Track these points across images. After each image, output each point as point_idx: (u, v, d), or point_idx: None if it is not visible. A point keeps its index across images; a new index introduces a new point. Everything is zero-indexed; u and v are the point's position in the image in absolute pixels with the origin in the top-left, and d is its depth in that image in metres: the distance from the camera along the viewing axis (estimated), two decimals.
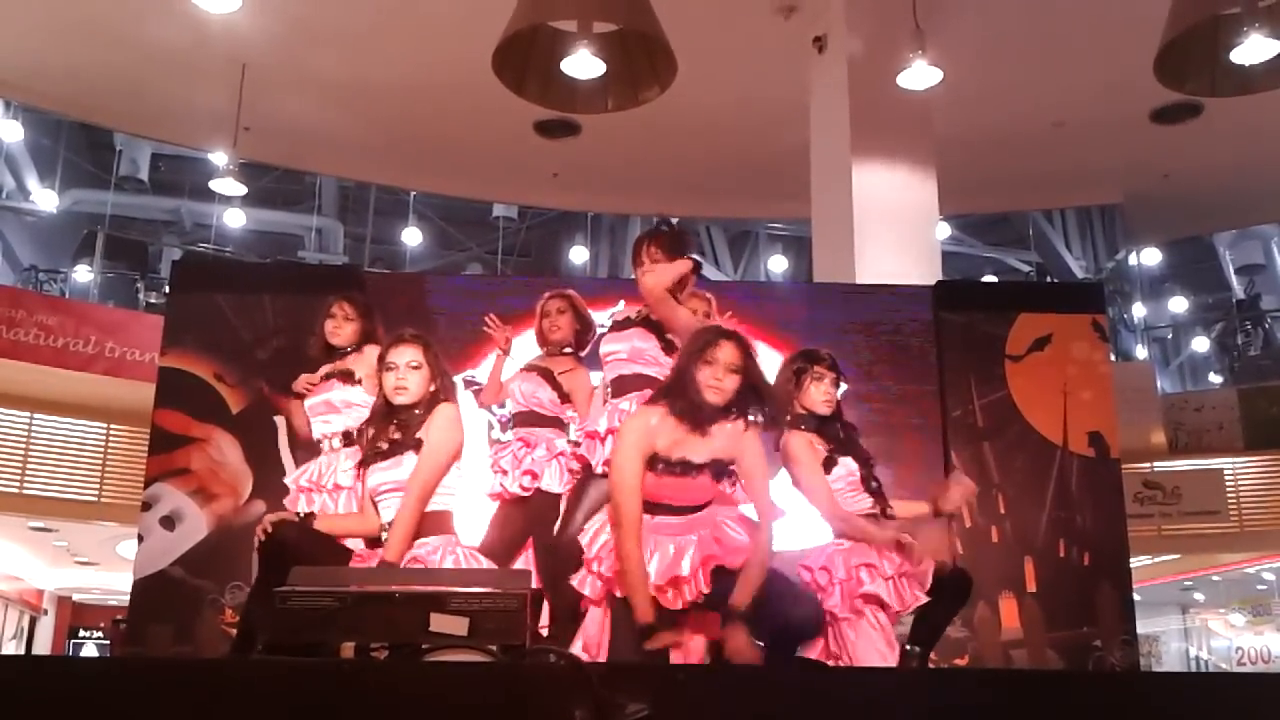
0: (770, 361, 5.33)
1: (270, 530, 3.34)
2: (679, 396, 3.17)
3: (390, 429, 3.50)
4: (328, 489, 4.16)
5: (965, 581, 3.93)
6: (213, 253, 13.03)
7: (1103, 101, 8.87)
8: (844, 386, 3.96)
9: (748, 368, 3.19)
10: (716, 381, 3.15)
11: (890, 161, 7.16)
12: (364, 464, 3.54)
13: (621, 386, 3.87)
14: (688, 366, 3.20)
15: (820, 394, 3.76)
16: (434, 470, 3.38)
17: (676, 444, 3.15)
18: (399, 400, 3.49)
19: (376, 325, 4.47)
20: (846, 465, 3.74)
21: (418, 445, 3.41)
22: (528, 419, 4.53)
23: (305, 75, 8.88)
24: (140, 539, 5.14)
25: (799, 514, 3.68)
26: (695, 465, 3.16)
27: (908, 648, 3.72)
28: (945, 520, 4.29)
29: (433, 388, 3.53)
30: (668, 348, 3.84)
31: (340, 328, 4.44)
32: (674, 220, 4.25)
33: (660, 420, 3.17)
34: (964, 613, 5.15)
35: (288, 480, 4.48)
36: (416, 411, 3.50)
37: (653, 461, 3.14)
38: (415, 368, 3.50)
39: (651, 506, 3.17)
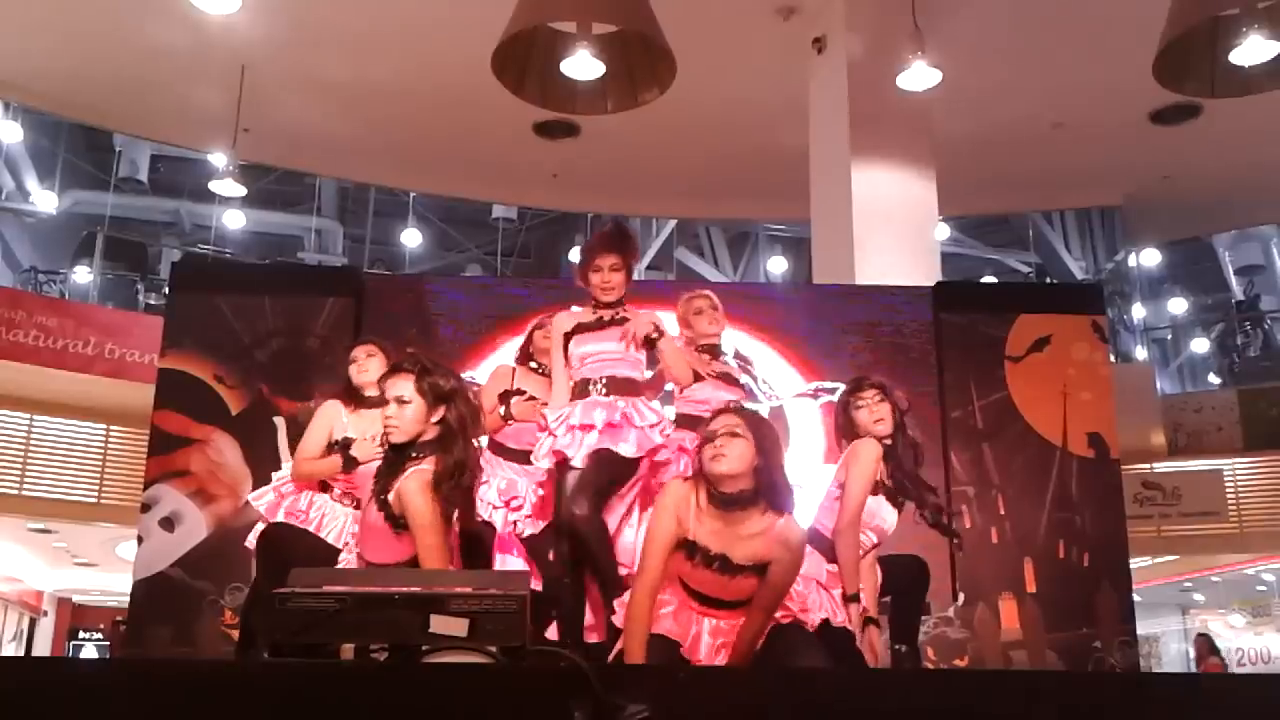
0: (771, 362, 5.35)
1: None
2: (705, 480, 3.11)
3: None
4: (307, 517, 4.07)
5: (916, 566, 3.99)
6: (212, 254, 13.03)
7: (1102, 103, 8.88)
8: (902, 406, 3.99)
9: (764, 456, 3.08)
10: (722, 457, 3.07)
11: (890, 162, 7.16)
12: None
13: (615, 386, 3.89)
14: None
15: (870, 418, 3.87)
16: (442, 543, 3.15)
17: (715, 535, 3.07)
18: (392, 439, 3.20)
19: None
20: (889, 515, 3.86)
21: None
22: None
23: (305, 77, 8.89)
24: (140, 540, 5.14)
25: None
26: (735, 566, 3.07)
27: (895, 648, 3.72)
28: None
29: (435, 418, 3.18)
30: (646, 344, 3.95)
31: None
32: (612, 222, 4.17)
33: (695, 498, 3.11)
34: (964, 613, 5.16)
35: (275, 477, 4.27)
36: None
37: (691, 549, 3.07)
38: (406, 403, 3.17)
39: (699, 596, 3.13)
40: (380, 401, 3.27)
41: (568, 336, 4.01)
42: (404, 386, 3.16)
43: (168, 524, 5.14)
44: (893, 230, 6.98)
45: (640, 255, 4.06)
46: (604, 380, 3.90)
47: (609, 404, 3.82)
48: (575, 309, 4.11)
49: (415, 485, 3.10)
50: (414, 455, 3.16)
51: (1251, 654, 13.26)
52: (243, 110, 8.83)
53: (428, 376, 3.18)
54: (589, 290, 4.04)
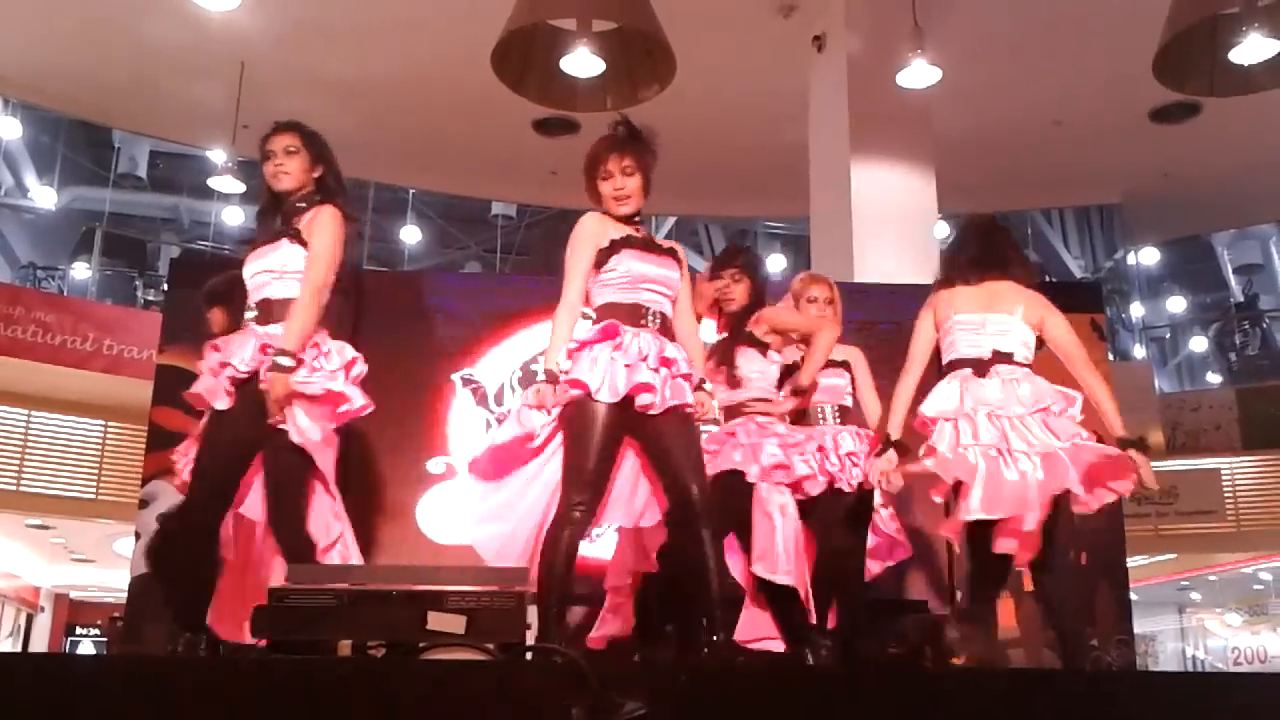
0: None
1: None
2: None
3: (275, 219, 3.50)
4: None
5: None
6: (211, 250, 13.01)
7: (1102, 101, 8.88)
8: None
9: None
10: None
11: (889, 160, 7.16)
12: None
13: (666, 328, 3.36)
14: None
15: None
16: (327, 271, 3.38)
17: None
18: (280, 186, 3.47)
19: (331, 168, 3.64)
20: None
21: (295, 235, 3.39)
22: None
23: (304, 73, 8.87)
24: (138, 536, 5.14)
25: None
26: None
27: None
28: None
29: (316, 174, 3.51)
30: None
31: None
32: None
33: None
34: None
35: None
36: (299, 204, 3.47)
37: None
38: (293, 153, 3.47)
39: None
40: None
41: (615, 245, 3.36)
42: (290, 139, 3.50)
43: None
44: (892, 228, 6.97)
45: (655, 160, 3.58)
46: (658, 316, 3.35)
47: (660, 347, 3.28)
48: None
49: (330, 215, 3.42)
50: (300, 206, 3.46)
51: (1248, 653, 13.27)
52: (242, 106, 8.82)
53: (310, 135, 3.54)
54: (601, 206, 3.46)
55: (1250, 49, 4.49)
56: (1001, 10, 7.68)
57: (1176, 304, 15.49)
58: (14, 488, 9.31)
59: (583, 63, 4.68)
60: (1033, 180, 10.68)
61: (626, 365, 3.18)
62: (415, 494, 5.08)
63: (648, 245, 3.41)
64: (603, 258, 3.36)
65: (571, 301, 3.35)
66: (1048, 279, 13.83)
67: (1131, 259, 13.64)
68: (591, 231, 3.39)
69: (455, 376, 5.25)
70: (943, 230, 7.93)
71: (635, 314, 3.31)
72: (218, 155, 10.06)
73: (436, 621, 2.17)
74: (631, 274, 3.34)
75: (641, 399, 3.17)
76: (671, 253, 3.46)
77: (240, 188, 9.64)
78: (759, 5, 7.73)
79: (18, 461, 9.33)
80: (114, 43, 8.51)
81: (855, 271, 6.71)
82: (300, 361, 3.27)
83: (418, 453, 5.13)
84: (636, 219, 3.46)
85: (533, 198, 12.42)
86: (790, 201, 8.91)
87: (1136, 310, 13.69)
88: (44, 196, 13.37)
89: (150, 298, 11.37)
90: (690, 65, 4.88)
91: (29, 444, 9.38)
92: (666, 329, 3.36)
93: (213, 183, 9.72)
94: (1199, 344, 14.74)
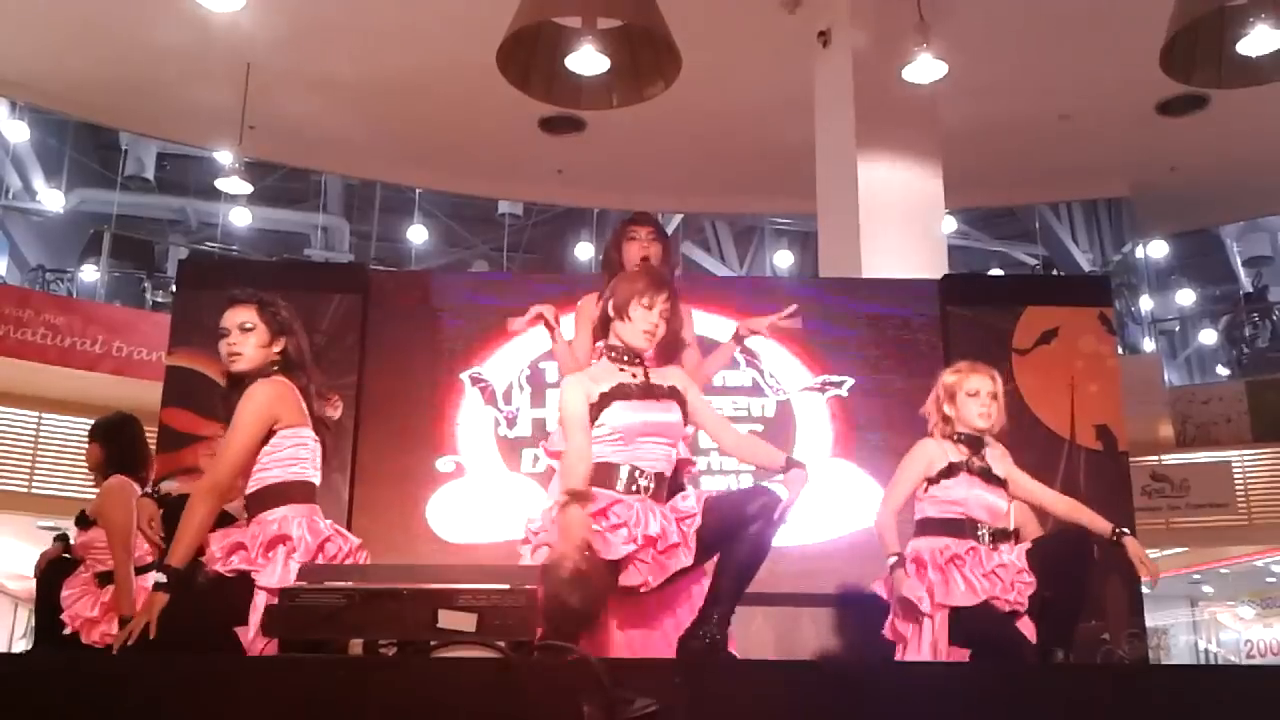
0: (777, 356, 5.35)
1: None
2: None
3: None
4: None
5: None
6: (219, 251, 13.04)
7: (1109, 94, 8.85)
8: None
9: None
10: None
11: (895, 155, 7.15)
12: None
13: (661, 491, 3.09)
14: None
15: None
16: (225, 459, 3.03)
17: None
18: (234, 368, 3.10)
19: (295, 340, 3.22)
20: None
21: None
22: None
23: (310, 73, 8.89)
24: None
25: None
26: None
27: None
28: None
29: (277, 349, 3.13)
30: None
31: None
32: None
33: None
34: None
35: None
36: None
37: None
38: (248, 330, 3.10)
39: None
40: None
41: (605, 399, 3.07)
42: (246, 314, 3.13)
43: None
44: (899, 223, 6.96)
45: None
46: (652, 479, 3.06)
47: (665, 516, 2.98)
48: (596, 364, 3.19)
49: (255, 391, 3.02)
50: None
51: (1261, 646, 13.24)
52: (248, 108, 8.84)
53: (269, 307, 3.16)
54: (626, 328, 3.14)
55: (1258, 40, 4.47)
56: (1007, 3, 7.66)
57: (1185, 297, 15.44)
58: (25, 490, 9.35)
59: (588, 61, 4.67)
60: (1040, 174, 10.67)
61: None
62: (425, 492, 5.08)
63: (640, 390, 3.15)
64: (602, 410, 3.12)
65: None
66: (1056, 273, 13.83)
67: (1140, 252, 13.59)
68: (583, 387, 3.15)
69: (463, 375, 5.26)
70: (950, 225, 7.93)
71: (629, 479, 3.06)
72: (224, 156, 10.09)
73: (447, 620, 2.17)
74: (620, 428, 3.08)
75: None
76: (670, 394, 3.17)
77: (247, 188, 9.68)
78: (764, 1, 7.73)
79: (29, 464, 9.37)
80: (120, 45, 8.53)
81: (862, 267, 6.70)
82: (175, 578, 2.89)
83: (427, 451, 5.13)
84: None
85: (539, 196, 12.44)
86: (797, 197, 8.90)
87: (1145, 303, 13.64)
88: (52, 199, 13.42)
89: (159, 299, 11.40)
90: (695, 62, 4.87)
91: (40, 446, 9.42)
92: (667, 492, 3.09)
93: (220, 184, 9.75)
94: (1208, 337, 14.70)
